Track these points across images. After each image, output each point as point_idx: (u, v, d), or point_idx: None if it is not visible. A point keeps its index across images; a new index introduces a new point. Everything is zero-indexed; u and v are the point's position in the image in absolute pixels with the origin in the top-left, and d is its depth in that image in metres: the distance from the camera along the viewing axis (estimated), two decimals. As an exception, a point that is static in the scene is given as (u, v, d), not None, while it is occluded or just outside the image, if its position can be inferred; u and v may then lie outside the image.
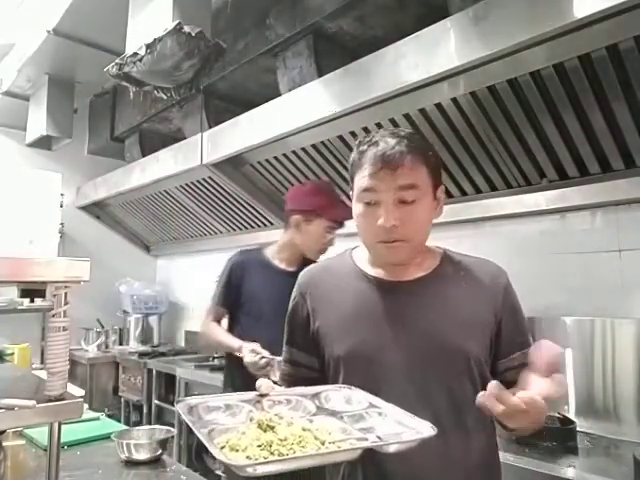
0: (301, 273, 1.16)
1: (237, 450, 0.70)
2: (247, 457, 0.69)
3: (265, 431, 0.77)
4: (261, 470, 0.66)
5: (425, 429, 0.76)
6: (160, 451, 1.54)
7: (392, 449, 0.74)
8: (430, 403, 0.89)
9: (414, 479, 0.92)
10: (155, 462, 1.52)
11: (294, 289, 1.15)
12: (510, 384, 1.00)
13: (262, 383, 0.95)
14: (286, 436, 0.74)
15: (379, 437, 0.75)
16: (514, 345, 1.01)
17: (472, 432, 0.95)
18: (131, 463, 1.49)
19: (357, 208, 1.01)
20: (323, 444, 0.73)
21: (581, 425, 1.79)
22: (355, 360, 1.01)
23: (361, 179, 0.99)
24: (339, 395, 0.94)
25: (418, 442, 0.73)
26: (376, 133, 1.03)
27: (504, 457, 1.09)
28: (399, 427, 0.79)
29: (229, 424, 0.81)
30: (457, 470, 0.94)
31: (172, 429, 1.68)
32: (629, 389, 1.78)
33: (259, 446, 0.72)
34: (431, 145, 1.06)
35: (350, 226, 1.11)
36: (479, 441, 0.96)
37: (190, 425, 0.78)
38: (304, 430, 0.77)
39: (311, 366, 1.10)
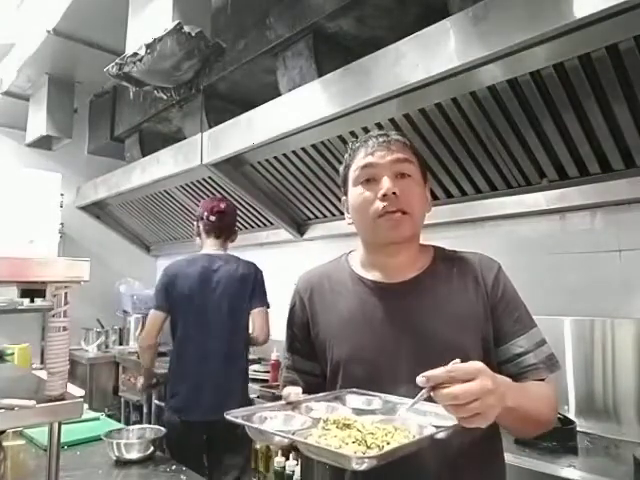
0: (299, 278, 1.16)
1: None
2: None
3: (342, 430, 0.77)
4: (369, 463, 0.66)
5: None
6: (151, 450, 1.54)
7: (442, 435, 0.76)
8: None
9: (415, 479, 0.92)
10: (147, 461, 1.52)
11: (293, 294, 1.15)
12: (510, 378, 1.00)
13: (290, 391, 0.94)
14: (375, 430, 0.75)
15: (436, 426, 0.76)
16: (506, 335, 1.00)
17: (474, 431, 0.94)
18: (122, 462, 1.49)
19: (355, 192, 1.03)
20: (404, 432, 0.74)
21: (581, 425, 1.79)
22: (355, 364, 1.01)
23: (357, 164, 1.04)
24: (357, 399, 0.94)
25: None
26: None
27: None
28: (431, 416, 0.81)
29: (295, 429, 0.81)
30: (458, 470, 0.94)
31: (162, 428, 1.68)
32: (629, 389, 1.78)
33: (354, 442, 0.72)
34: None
35: (346, 227, 1.11)
36: (481, 440, 0.95)
37: (278, 434, 0.77)
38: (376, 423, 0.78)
39: (313, 372, 1.11)
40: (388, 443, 0.71)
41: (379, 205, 0.98)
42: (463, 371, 0.72)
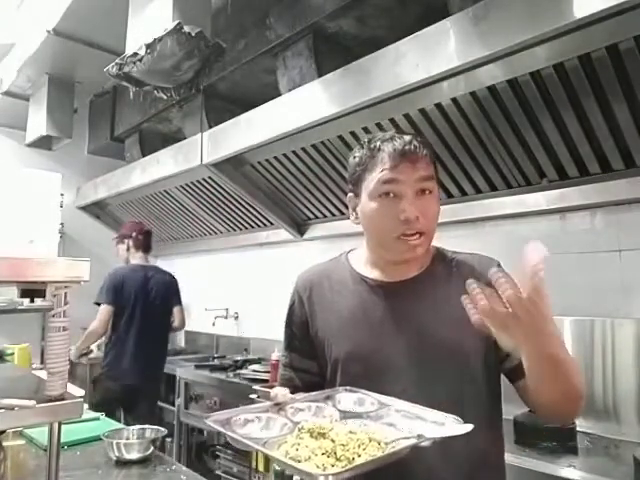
0: (297, 277, 1.16)
1: (299, 461, 0.69)
2: (317, 467, 0.68)
3: (317, 439, 0.76)
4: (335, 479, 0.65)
5: (449, 420, 0.80)
6: (151, 450, 1.54)
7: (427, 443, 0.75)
8: (430, 402, 0.89)
9: (414, 478, 0.92)
10: (147, 461, 1.51)
11: (292, 293, 1.15)
12: (514, 382, 0.99)
13: (278, 392, 0.94)
14: (347, 441, 0.74)
15: (420, 435, 0.75)
16: None
17: (474, 431, 0.94)
18: (122, 463, 1.49)
19: (371, 204, 0.99)
20: (379, 444, 0.74)
21: (581, 425, 1.79)
22: (354, 363, 1.01)
23: (380, 173, 0.98)
24: (349, 397, 0.94)
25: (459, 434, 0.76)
26: (381, 134, 1.04)
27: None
28: (421, 421, 0.82)
29: (270, 436, 0.80)
30: (458, 469, 0.93)
31: (162, 429, 1.68)
32: (629, 389, 1.78)
33: (323, 454, 0.71)
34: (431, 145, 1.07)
35: (346, 227, 1.11)
36: (482, 440, 0.95)
37: (247, 442, 0.76)
38: (352, 433, 0.77)
39: (311, 370, 1.10)
40: (359, 455, 0.70)
41: (398, 227, 0.96)
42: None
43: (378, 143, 1.00)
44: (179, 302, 3.20)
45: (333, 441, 0.75)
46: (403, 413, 0.86)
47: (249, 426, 0.84)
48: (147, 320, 3.00)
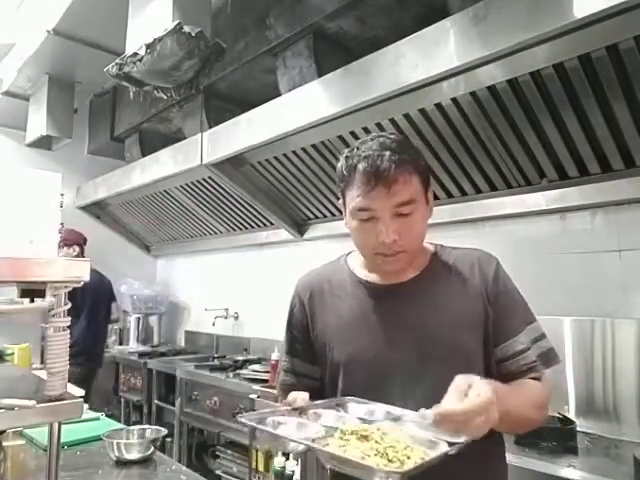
0: (298, 280, 1.16)
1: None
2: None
3: (361, 441, 0.76)
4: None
5: None
6: (152, 450, 1.54)
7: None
8: (432, 402, 0.88)
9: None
10: (148, 461, 1.51)
11: (292, 296, 1.15)
12: (509, 375, 0.99)
13: (296, 396, 0.94)
14: (394, 443, 0.75)
15: (452, 442, 0.77)
16: (506, 332, 0.99)
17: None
18: (122, 463, 1.49)
19: (352, 222, 1.00)
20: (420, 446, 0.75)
21: (581, 425, 1.79)
22: (355, 366, 1.01)
23: (355, 198, 0.96)
24: (359, 408, 0.94)
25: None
26: (362, 143, 0.99)
27: (504, 457, 1.09)
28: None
29: (310, 438, 0.80)
30: (459, 470, 0.93)
31: (162, 429, 1.68)
32: (629, 389, 1.78)
33: (376, 454, 0.72)
34: (418, 149, 1.03)
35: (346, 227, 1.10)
36: (483, 440, 0.95)
37: (303, 442, 0.77)
38: (385, 435, 0.78)
39: (313, 375, 1.10)
40: (408, 457, 0.71)
41: (377, 246, 0.96)
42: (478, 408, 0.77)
43: (355, 160, 0.96)
44: (114, 299, 3.82)
45: (378, 443, 0.75)
46: (416, 423, 0.85)
47: (282, 428, 0.84)
48: (97, 313, 3.53)
